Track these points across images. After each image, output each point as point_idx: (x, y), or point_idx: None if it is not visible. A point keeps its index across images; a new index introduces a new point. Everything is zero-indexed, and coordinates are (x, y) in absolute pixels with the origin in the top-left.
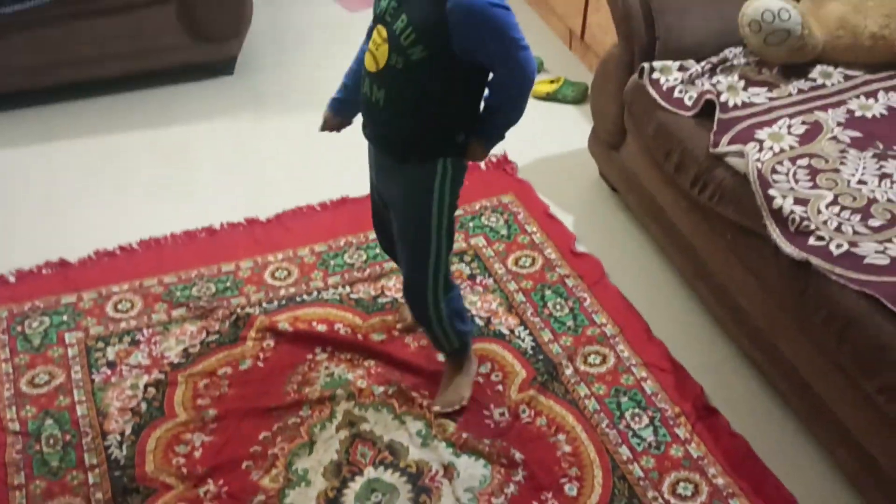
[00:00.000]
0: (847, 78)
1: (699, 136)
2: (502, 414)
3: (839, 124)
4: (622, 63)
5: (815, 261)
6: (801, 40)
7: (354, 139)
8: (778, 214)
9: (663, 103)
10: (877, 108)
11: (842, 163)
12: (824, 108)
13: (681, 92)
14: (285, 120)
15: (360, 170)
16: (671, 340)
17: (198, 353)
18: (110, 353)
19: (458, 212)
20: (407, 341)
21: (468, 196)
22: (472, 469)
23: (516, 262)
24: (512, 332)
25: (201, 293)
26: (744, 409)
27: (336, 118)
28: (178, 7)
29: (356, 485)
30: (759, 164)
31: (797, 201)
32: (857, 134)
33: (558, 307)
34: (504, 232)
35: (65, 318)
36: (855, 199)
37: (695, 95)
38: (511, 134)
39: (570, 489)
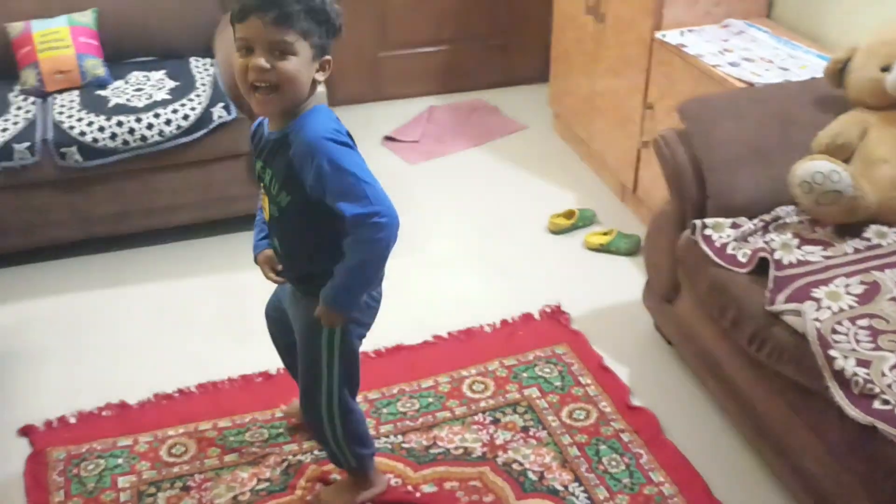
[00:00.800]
0: None
1: (754, 294)
2: None
3: None
4: (674, 219)
5: (881, 426)
6: (853, 201)
7: (407, 288)
8: (840, 376)
9: (717, 259)
10: None
11: None
12: (881, 267)
13: (734, 249)
14: None
15: (416, 320)
16: (733, 502)
17: (247, 501)
18: (161, 498)
19: (511, 361)
20: (458, 495)
21: (521, 346)
22: None
23: (570, 415)
24: (566, 488)
25: (254, 438)
26: None
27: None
28: (247, 162)
29: None
30: (818, 324)
31: (859, 363)
32: None
33: (614, 463)
34: (558, 383)
35: (120, 461)
36: None
37: (749, 252)
38: (564, 284)
39: None
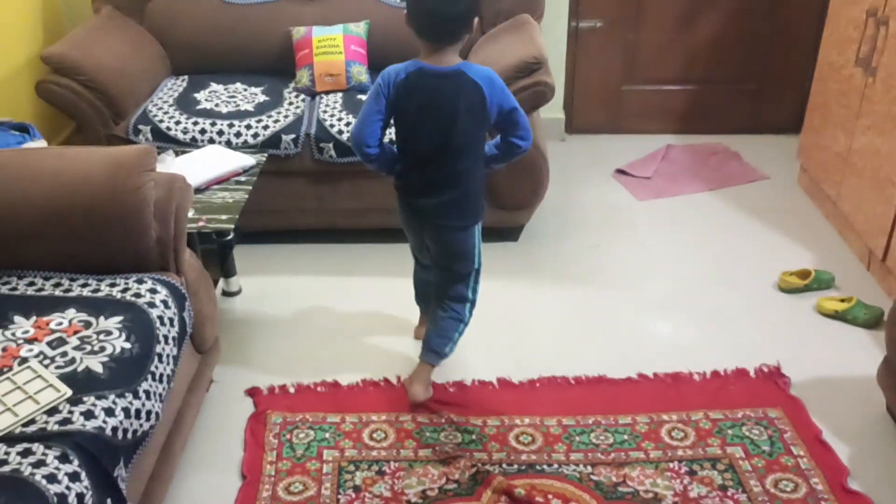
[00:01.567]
0: None
1: None
2: None
3: None
4: None
5: None
6: None
7: (618, 322)
8: None
9: None
10: None
11: None
12: None
13: None
14: (557, 291)
15: (622, 354)
16: None
17: (435, 498)
18: (358, 477)
19: (718, 415)
20: None
21: (731, 401)
22: None
23: (776, 485)
24: None
25: (448, 439)
26: None
27: None
28: None
29: None
30: None
31: None
32: None
33: None
34: (766, 448)
35: (327, 435)
36: None
37: None
38: (787, 346)
39: None
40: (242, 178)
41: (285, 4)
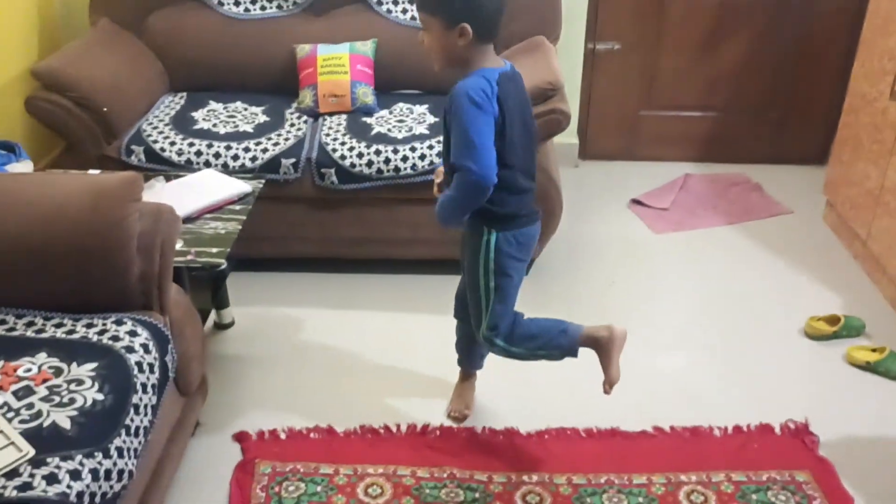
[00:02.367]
0: None
1: None
2: None
3: None
4: None
5: None
6: None
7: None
8: None
9: None
10: None
11: None
12: None
13: None
14: None
15: (636, 404)
16: None
17: None
18: None
19: (741, 477)
20: None
21: (755, 462)
22: None
23: None
24: None
25: (449, 497)
26: None
27: None
28: None
29: None
30: None
31: None
32: None
33: None
34: None
35: (319, 489)
36: None
37: None
38: (815, 401)
39: None
40: (237, 207)
41: (290, 20)
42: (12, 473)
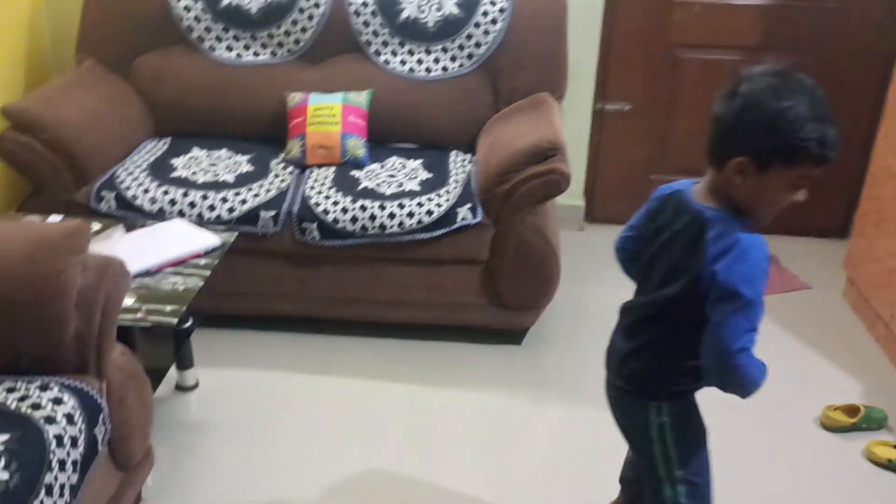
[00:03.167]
0: None
1: None
2: None
3: None
4: None
5: None
6: None
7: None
8: None
9: None
10: None
11: None
12: None
13: None
14: (562, 409)
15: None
16: None
17: None
18: None
19: None
20: None
21: None
22: None
23: None
24: None
25: None
26: None
27: None
28: (483, 271)
29: None
30: None
31: None
32: None
33: None
34: None
35: None
36: None
37: None
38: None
39: None
40: (202, 262)
41: (283, 68)
42: None
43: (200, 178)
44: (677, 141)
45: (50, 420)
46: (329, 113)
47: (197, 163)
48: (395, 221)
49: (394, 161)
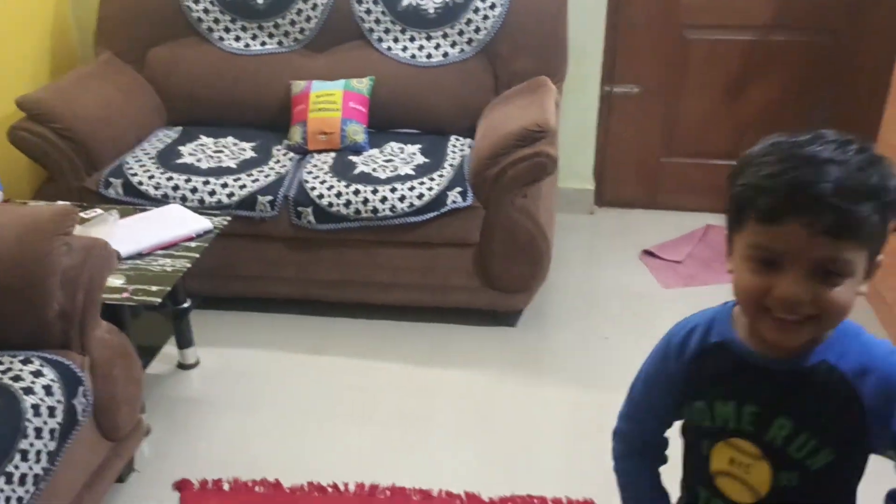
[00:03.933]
0: None
1: None
2: None
3: None
4: None
5: None
6: None
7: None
8: None
9: None
10: None
11: None
12: None
13: None
14: (554, 390)
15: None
16: None
17: None
18: None
19: None
20: None
21: None
22: None
23: None
24: None
25: None
26: None
27: None
28: (475, 253)
29: None
30: None
31: None
32: None
33: None
34: None
35: None
36: None
37: None
38: None
39: None
40: (192, 244)
41: (290, 57)
42: None
43: (204, 165)
44: (687, 124)
45: (28, 391)
46: (330, 99)
47: (203, 150)
48: (387, 205)
49: (392, 146)
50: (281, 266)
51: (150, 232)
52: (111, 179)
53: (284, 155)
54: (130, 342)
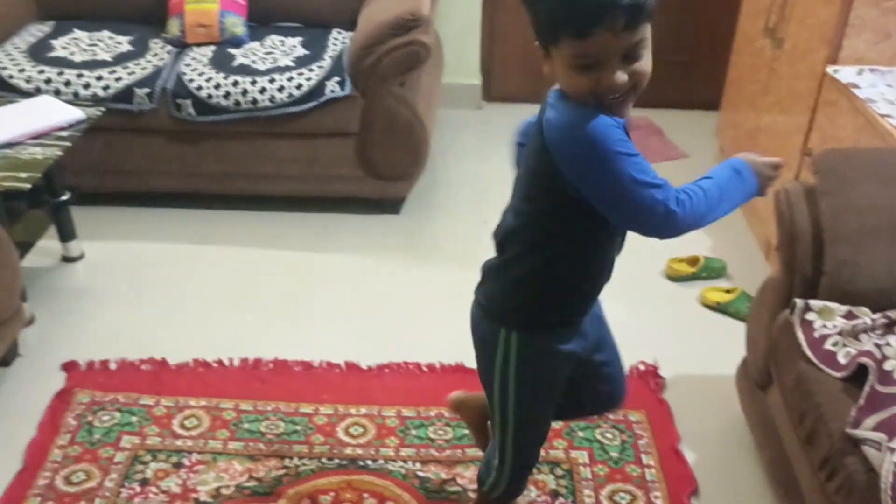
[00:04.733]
0: None
1: (841, 407)
2: None
3: None
4: (780, 292)
5: None
6: None
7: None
8: None
9: (809, 353)
10: None
11: None
12: None
13: (836, 345)
14: (432, 270)
15: None
16: None
17: (228, 496)
18: (150, 469)
19: None
20: None
21: None
22: None
23: (611, 496)
24: None
25: (269, 430)
26: None
27: None
28: (356, 143)
29: None
30: None
31: None
32: None
33: None
34: (615, 454)
35: (134, 419)
36: None
37: (852, 353)
38: (666, 341)
39: None
40: (64, 133)
41: None
42: None
43: (78, 58)
44: None
45: None
46: None
47: (77, 43)
48: (266, 96)
49: (273, 39)
50: (164, 160)
51: (18, 122)
52: None
53: (162, 48)
54: (2, 229)
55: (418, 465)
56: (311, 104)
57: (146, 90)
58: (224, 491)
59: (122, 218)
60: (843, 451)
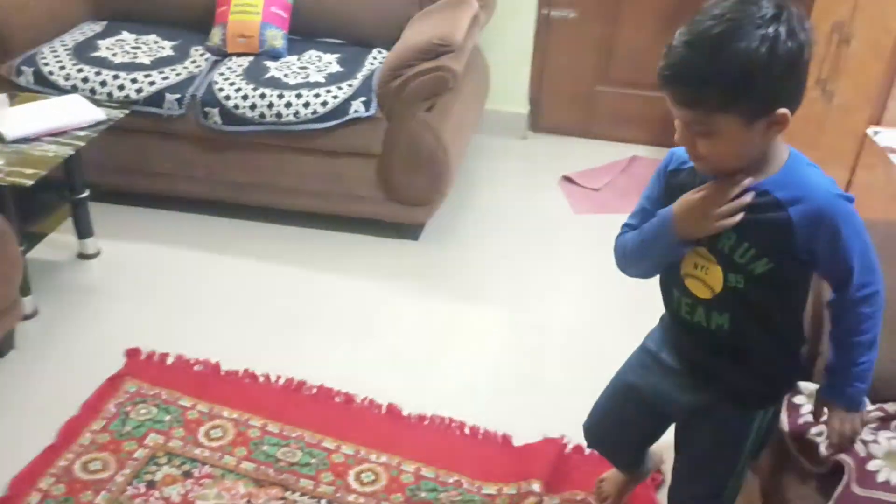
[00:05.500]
0: None
1: None
2: None
3: None
4: None
5: None
6: None
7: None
8: None
9: (789, 441)
10: None
11: None
12: None
13: (820, 434)
14: (446, 304)
15: (531, 410)
16: None
17: None
18: (161, 472)
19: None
20: None
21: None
22: None
23: None
24: None
25: (285, 457)
26: None
27: None
28: (378, 165)
29: None
30: None
31: None
32: None
33: None
34: None
35: (167, 418)
36: None
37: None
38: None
39: None
40: (81, 133)
41: None
42: None
43: (118, 60)
44: (624, 52)
45: None
46: (251, 3)
47: (121, 45)
48: (291, 110)
49: (311, 54)
50: (190, 166)
51: (40, 118)
52: (23, 68)
53: (202, 56)
54: (6, 222)
55: None
56: (333, 122)
57: (177, 96)
58: None
59: (144, 219)
60: None
